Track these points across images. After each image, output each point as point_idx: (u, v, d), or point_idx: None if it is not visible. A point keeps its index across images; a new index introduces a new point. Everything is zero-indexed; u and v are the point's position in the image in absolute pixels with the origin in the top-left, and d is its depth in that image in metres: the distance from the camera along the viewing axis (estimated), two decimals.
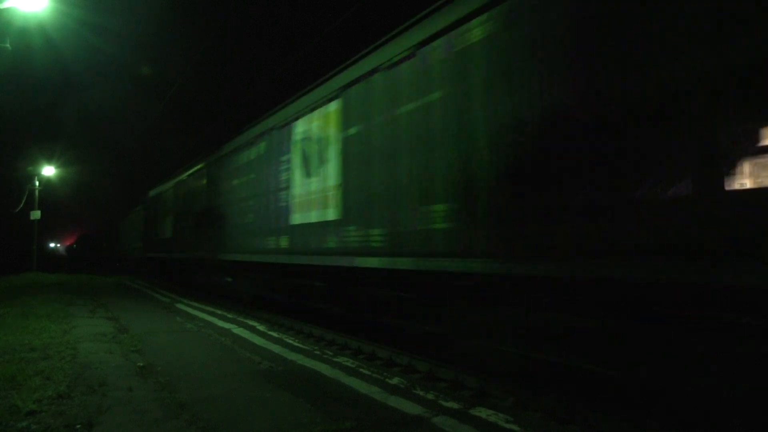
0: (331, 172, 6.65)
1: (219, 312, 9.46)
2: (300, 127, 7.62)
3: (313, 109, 7.27)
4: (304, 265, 7.26)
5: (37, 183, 25.71)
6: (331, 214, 6.57)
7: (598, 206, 3.30)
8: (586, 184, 3.37)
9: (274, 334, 6.94)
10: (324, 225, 6.73)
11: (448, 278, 4.80)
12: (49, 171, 26.72)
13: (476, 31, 4.25)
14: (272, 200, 8.44)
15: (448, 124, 4.53)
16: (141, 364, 4.94)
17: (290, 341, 6.41)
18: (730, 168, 2.76)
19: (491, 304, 4.44)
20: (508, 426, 3.29)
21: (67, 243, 71.61)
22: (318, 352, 5.68)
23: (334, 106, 6.70)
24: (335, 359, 5.33)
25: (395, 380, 4.46)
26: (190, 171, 14.22)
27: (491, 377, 4.51)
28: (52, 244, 72.44)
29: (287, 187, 7.92)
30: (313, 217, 7.04)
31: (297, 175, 7.64)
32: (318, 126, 7.10)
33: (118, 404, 3.68)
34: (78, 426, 3.22)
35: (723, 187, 2.78)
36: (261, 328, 7.53)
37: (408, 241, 5.10)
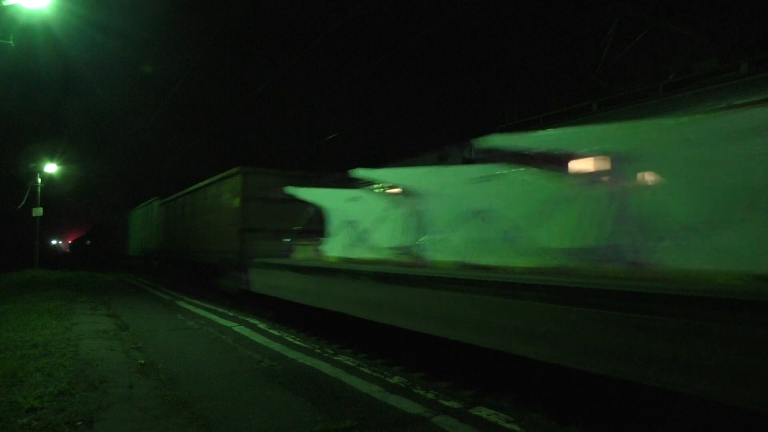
0: None
1: (220, 310, 9.47)
2: None
3: None
4: None
5: (39, 180, 25.73)
6: None
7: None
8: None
9: (275, 333, 6.94)
10: None
11: None
12: (51, 168, 26.73)
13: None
14: None
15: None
16: (142, 362, 4.95)
17: (291, 339, 6.42)
18: None
19: None
20: (508, 426, 3.28)
21: (70, 240, 71.71)
22: (319, 351, 5.68)
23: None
24: (336, 358, 5.33)
25: (396, 379, 4.46)
26: None
27: (492, 378, 4.51)
28: (53, 242, 72.58)
29: None
30: None
31: None
32: None
33: (119, 401, 3.69)
34: (79, 423, 3.22)
35: None
36: (262, 326, 7.53)
37: None
